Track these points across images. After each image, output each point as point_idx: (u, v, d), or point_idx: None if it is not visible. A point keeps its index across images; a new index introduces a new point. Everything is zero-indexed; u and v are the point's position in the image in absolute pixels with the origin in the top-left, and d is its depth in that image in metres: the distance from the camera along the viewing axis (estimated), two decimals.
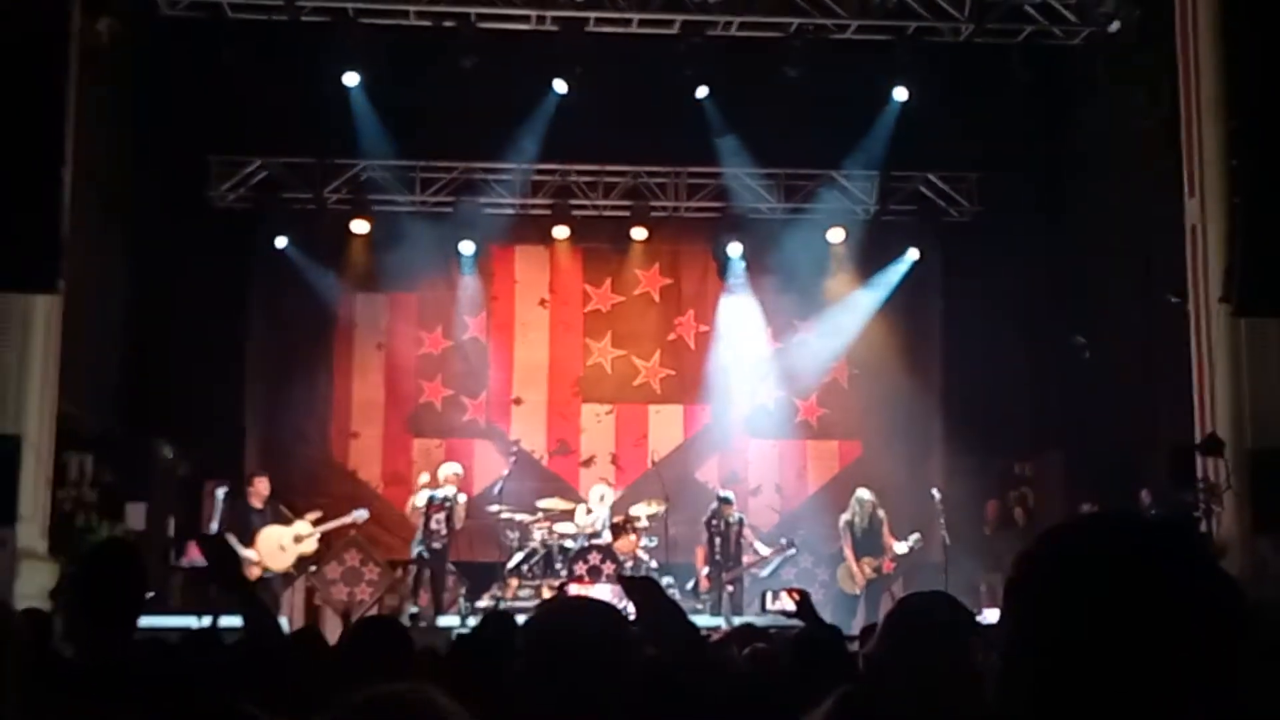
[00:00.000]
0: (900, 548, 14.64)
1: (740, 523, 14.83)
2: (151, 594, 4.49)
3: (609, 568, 14.10)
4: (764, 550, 14.89)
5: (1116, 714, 1.46)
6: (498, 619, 6.59)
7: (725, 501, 14.82)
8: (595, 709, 2.75)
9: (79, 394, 14.34)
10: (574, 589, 13.17)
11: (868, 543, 14.77)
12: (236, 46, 15.25)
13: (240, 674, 4.01)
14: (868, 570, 14.60)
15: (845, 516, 14.96)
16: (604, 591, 12.98)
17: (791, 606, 5.78)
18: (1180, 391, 13.16)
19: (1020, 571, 1.57)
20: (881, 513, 14.92)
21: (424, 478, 14.85)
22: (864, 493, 15.04)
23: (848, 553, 14.83)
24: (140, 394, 16.30)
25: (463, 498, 14.64)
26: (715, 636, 11.16)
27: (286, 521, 14.38)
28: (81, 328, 14.24)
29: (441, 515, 14.37)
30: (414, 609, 14.14)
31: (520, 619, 6.80)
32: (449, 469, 14.83)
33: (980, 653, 2.67)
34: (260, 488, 14.35)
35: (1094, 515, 1.65)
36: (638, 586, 3.57)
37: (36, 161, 11.38)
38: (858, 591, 14.66)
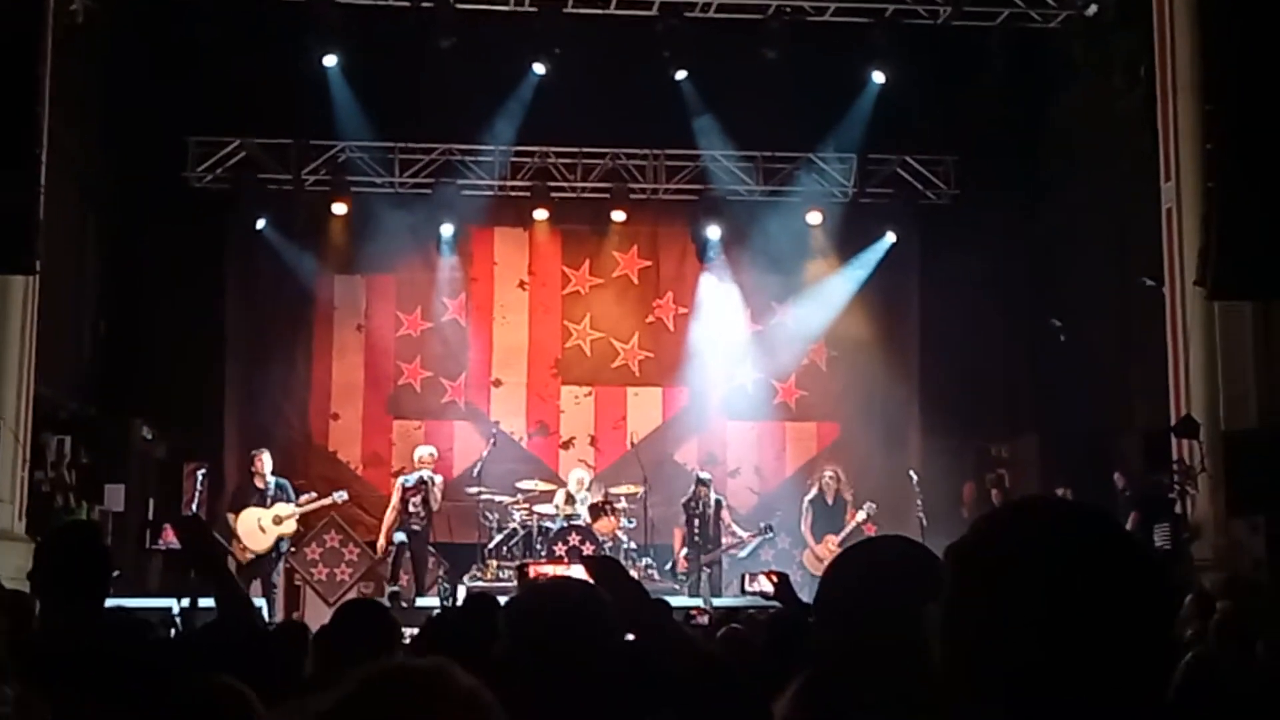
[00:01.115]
0: (859, 516, 14.78)
1: (719, 505, 14.92)
2: (117, 573, 4.50)
3: (588, 549, 14.14)
4: (742, 534, 15.00)
5: (1048, 692, 1.50)
6: (478, 601, 6.62)
7: (702, 483, 14.91)
8: (576, 688, 2.79)
9: (56, 376, 14.30)
10: (534, 570, 13.12)
11: (831, 521, 14.94)
12: (213, 26, 15.19)
13: (212, 655, 4.03)
14: (832, 547, 14.69)
15: (810, 494, 15.13)
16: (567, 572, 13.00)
17: (770, 588, 5.82)
18: (1156, 374, 13.25)
19: (952, 558, 1.61)
20: (848, 495, 15.11)
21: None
22: (828, 471, 15.33)
23: (805, 532, 15.03)
24: (117, 376, 16.27)
25: (439, 478, 14.70)
26: (696, 617, 11.23)
27: (290, 499, 14.40)
28: (58, 309, 14.20)
29: (418, 498, 14.43)
30: (394, 589, 14.19)
31: (501, 600, 6.83)
32: (424, 451, 14.91)
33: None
34: (260, 465, 14.37)
35: (1021, 501, 1.69)
36: (599, 566, 3.61)
37: (12, 142, 11.33)
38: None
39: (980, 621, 1.54)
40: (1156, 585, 1.54)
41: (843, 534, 14.76)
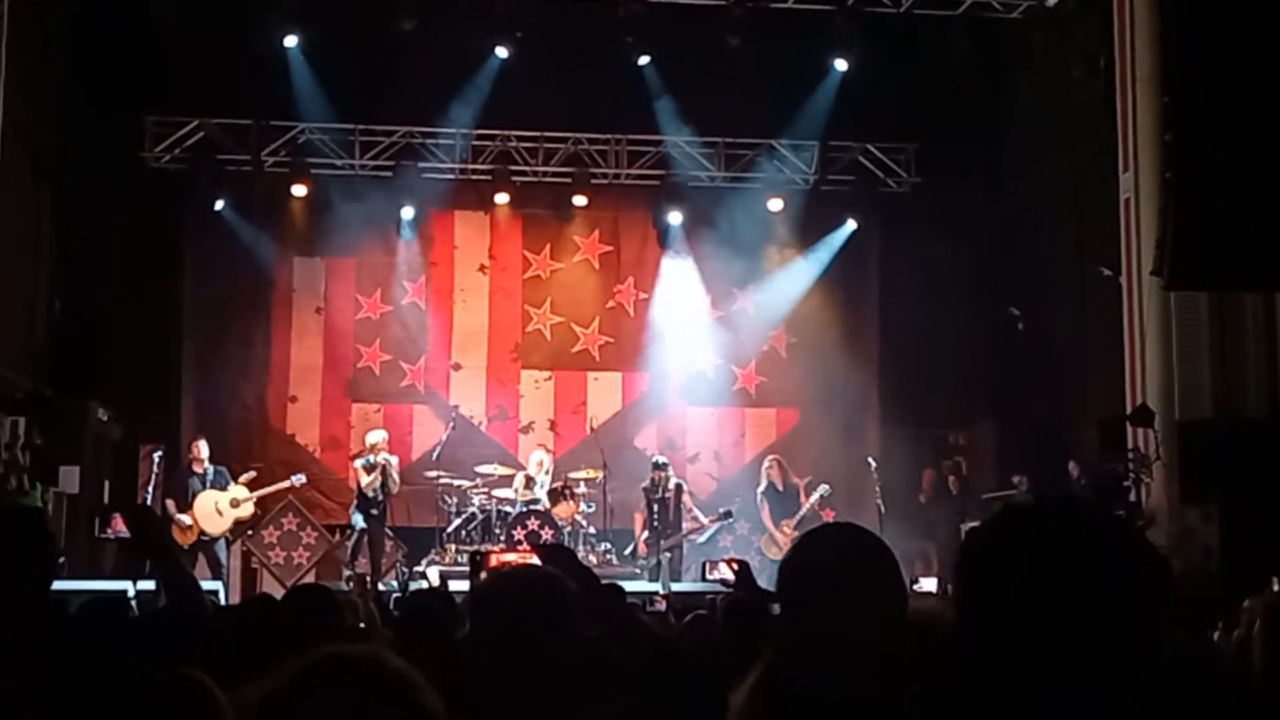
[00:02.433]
0: (813, 498, 14.85)
1: (679, 489, 14.94)
2: (62, 560, 4.48)
3: (547, 533, 14.13)
4: (703, 519, 15.06)
5: (1056, 681, 1.51)
6: (431, 594, 6.61)
7: (659, 468, 14.93)
8: (536, 674, 2.79)
9: (10, 355, 14.18)
10: (495, 558, 13.06)
11: (785, 507, 14.99)
12: (173, 5, 15.05)
13: (161, 640, 4.02)
14: (789, 531, 14.75)
15: (761, 485, 15.24)
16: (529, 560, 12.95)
17: (731, 576, 5.85)
18: (1112, 363, 13.37)
19: (968, 554, 1.62)
20: (797, 481, 15.17)
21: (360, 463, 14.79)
22: (768, 459, 15.47)
23: (765, 521, 15.08)
24: (73, 356, 16.12)
25: (395, 459, 14.66)
26: (656, 602, 11.27)
27: (226, 485, 14.33)
28: (12, 288, 14.08)
29: (377, 483, 14.39)
30: (358, 573, 14.14)
31: (459, 584, 6.82)
32: (377, 436, 14.84)
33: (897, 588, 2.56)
34: (198, 452, 14.32)
35: (1037, 500, 1.70)
36: (551, 554, 3.62)
37: None
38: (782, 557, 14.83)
39: (975, 601, 1.55)
40: (1144, 587, 1.55)
41: (797, 517, 14.80)
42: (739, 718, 1.86)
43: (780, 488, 15.16)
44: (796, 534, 14.66)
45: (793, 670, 2.32)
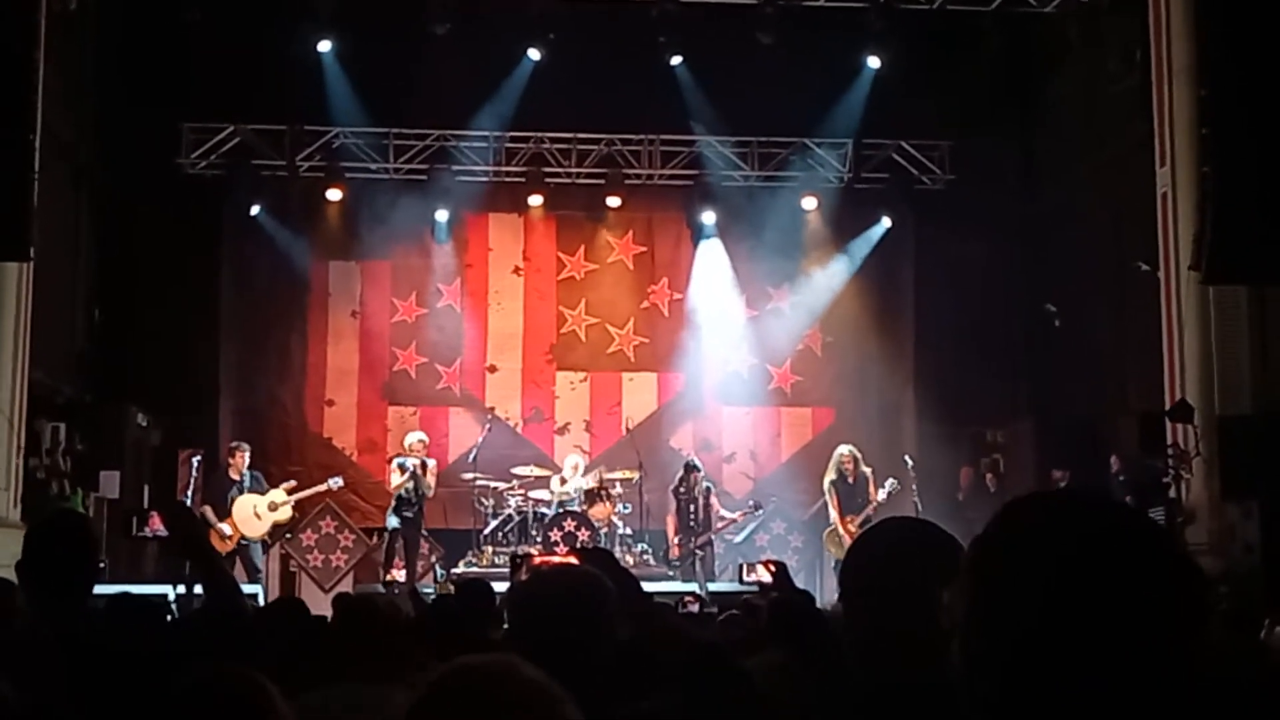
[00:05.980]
0: (879, 495, 14.61)
1: (708, 492, 14.88)
2: (104, 564, 4.51)
3: (583, 534, 14.15)
4: (730, 515, 14.99)
5: (1077, 691, 1.48)
6: (472, 588, 6.64)
7: (692, 468, 14.88)
8: (574, 674, 2.79)
9: (51, 362, 14.30)
10: (539, 560, 13.03)
11: (853, 500, 14.74)
12: (207, 12, 15.14)
13: (202, 643, 4.04)
14: (853, 529, 14.54)
15: (830, 476, 14.92)
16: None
17: (768, 577, 5.84)
18: (1150, 359, 13.27)
19: (979, 551, 1.59)
20: (867, 470, 14.85)
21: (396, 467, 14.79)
22: (843, 449, 14.97)
23: (833, 514, 14.74)
24: (112, 362, 16.25)
25: (432, 463, 14.68)
26: (690, 602, 11.26)
27: (264, 490, 14.41)
28: (52, 295, 14.18)
29: (410, 484, 14.42)
30: (393, 576, 14.20)
31: (496, 586, 6.85)
32: (414, 437, 14.86)
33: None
34: (239, 459, 14.40)
35: (1054, 493, 1.67)
36: (591, 558, 3.62)
37: (5, 129, 11.29)
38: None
39: (993, 603, 1.53)
40: (1183, 581, 1.52)
41: (864, 514, 14.45)
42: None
43: (851, 480, 14.89)
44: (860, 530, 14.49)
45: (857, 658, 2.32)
